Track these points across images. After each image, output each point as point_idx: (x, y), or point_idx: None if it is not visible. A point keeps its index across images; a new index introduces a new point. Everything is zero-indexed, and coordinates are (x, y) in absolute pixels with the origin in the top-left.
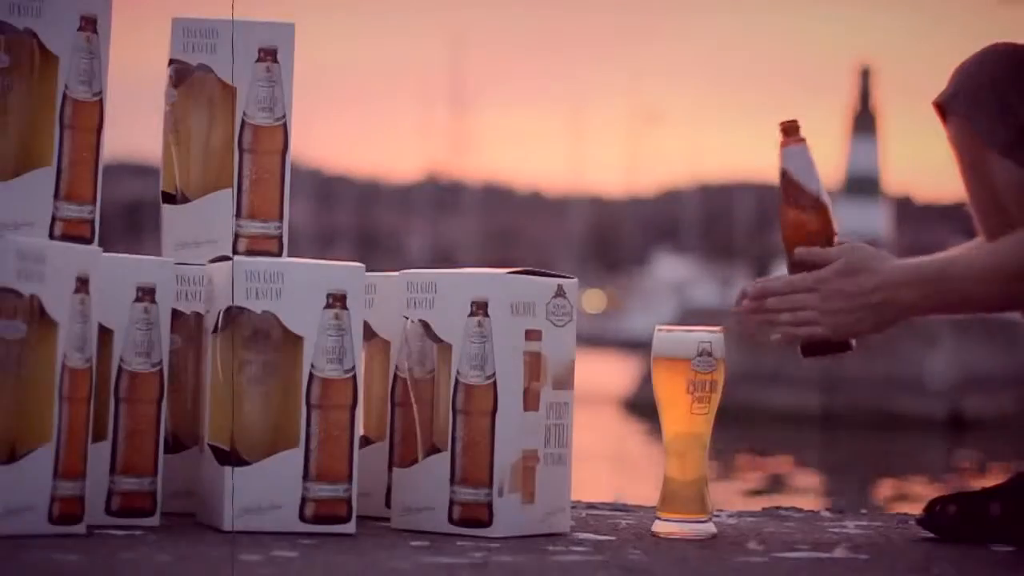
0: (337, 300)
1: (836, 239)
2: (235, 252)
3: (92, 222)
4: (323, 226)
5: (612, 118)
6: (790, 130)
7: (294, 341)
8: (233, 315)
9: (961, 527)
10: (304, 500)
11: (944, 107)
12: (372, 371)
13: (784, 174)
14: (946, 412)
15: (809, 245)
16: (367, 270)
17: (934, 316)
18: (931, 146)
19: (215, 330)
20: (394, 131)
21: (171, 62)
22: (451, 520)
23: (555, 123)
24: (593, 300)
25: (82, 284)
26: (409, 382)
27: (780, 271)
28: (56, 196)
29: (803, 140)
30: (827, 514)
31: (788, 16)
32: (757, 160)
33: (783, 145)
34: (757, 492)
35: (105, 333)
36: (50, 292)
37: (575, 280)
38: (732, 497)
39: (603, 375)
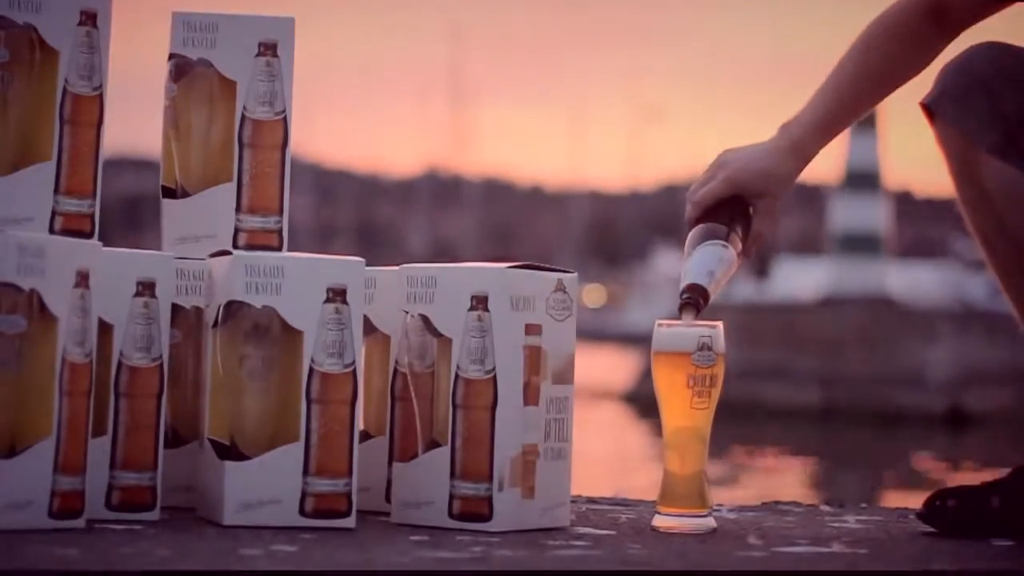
0: (337, 294)
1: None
2: (235, 247)
3: (92, 216)
4: (323, 220)
5: (612, 113)
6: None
7: (294, 336)
8: (233, 310)
9: (961, 521)
10: (304, 495)
11: (931, 108)
12: (372, 366)
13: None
14: (946, 407)
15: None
16: (367, 264)
17: None
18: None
19: (215, 324)
20: (394, 126)
21: (171, 56)
22: (451, 515)
23: (555, 117)
24: (593, 294)
25: (82, 278)
26: (409, 376)
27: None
28: (56, 190)
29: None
30: (827, 508)
31: (788, 16)
32: None
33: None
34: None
35: (105, 327)
36: (50, 286)
37: (575, 274)
38: (732, 492)
39: (603, 369)
